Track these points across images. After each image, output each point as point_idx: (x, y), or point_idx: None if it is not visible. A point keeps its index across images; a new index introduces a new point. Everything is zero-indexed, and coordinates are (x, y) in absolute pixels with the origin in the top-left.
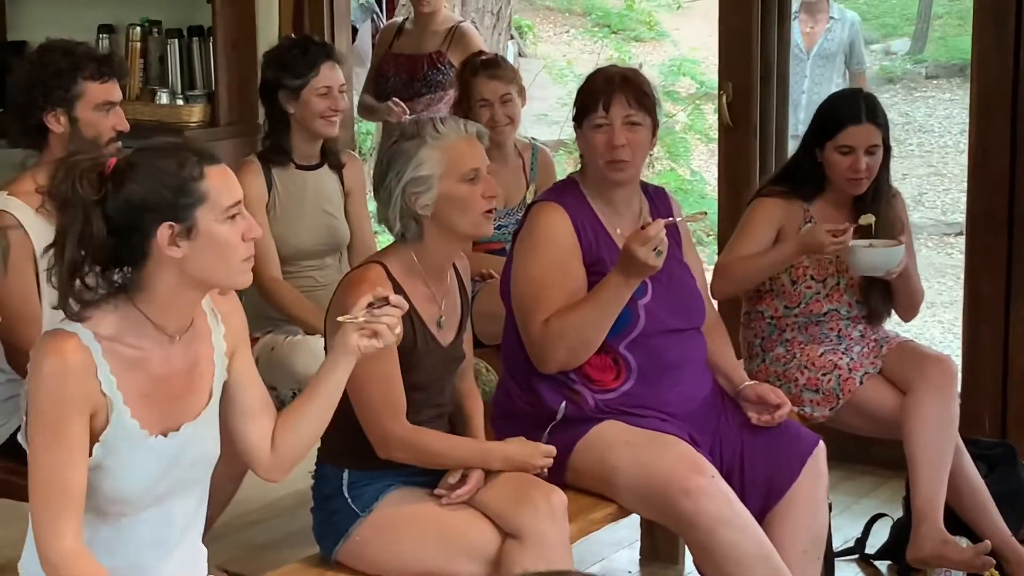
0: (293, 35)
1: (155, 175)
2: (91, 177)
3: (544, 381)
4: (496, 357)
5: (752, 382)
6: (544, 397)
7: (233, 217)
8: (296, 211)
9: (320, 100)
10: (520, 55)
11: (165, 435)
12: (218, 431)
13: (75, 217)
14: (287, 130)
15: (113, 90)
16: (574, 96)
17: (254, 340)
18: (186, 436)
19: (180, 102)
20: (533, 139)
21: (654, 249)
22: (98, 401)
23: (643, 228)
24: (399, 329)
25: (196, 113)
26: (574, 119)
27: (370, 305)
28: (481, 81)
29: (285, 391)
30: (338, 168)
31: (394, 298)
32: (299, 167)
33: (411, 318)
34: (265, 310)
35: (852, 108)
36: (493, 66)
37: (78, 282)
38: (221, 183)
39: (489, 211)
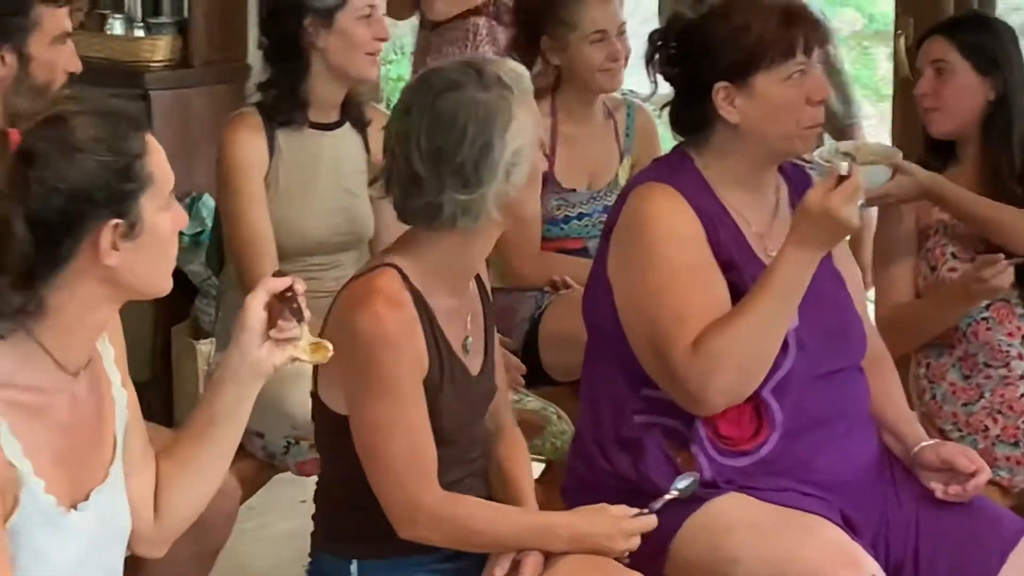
0: None
1: (90, 151)
2: (1, 158)
3: (644, 435)
4: (572, 399)
5: (933, 441)
6: (643, 461)
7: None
8: (306, 186)
9: (362, 26)
10: None
11: (75, 507)
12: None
13: None
14: (305, 73)
15: (67, 17)
16: (691, 36)
17: None
18: (98, 506)
19: (140, 32)
20: (632, 91)
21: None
22: (3, 476)
23: (839, 179)
24: (308, 314)
25: (162, 48)
26: (720, 71)
27: (283, 299)
28: (593, 5)
29: (276, 439)
30: (363, 127)
31: (301, 287)
32: (313, 126)
33: (436, 339)
34: None
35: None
36: None
37: None
38: (161, 159)
39: None
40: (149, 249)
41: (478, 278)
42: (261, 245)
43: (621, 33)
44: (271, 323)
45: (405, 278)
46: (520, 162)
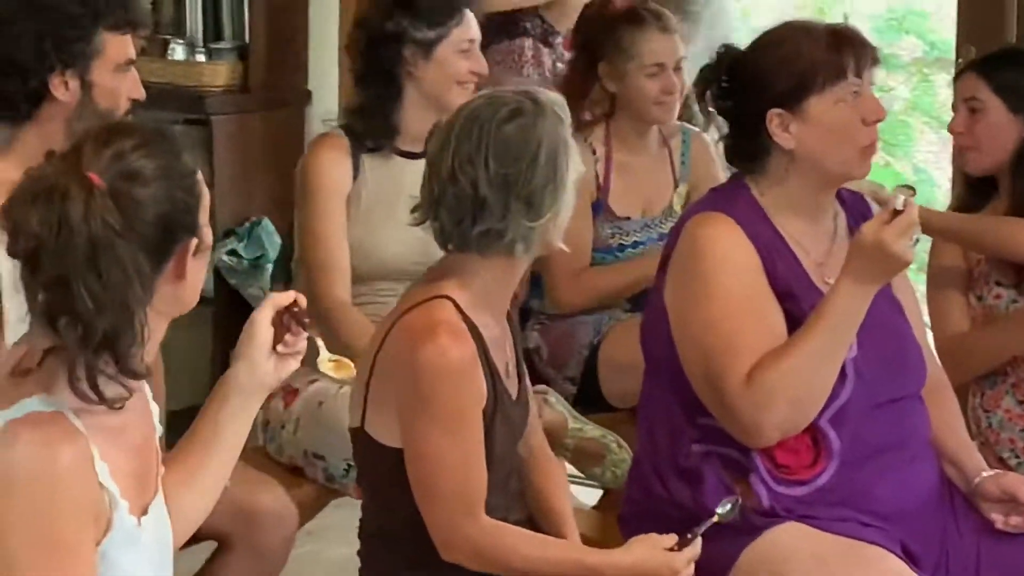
0: None
1: (163, 176)
2: (98, 198)
3: (701, 463)
4: (631, 425)
5: (994, 472)
6: (701, 489)
7: None
8: (387, 213)
9: (461, 59)
10: None
11: (140, 523)
12: None
13: (123, 268)
14: (397, 101)
15: (132, 44)
16: (741, 67)
17: (294, 392)
18: (155, 519)
19: (201, 58)
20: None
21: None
22: (99, 499)
23: (893, 212)
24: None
25: (222, 74)
26: (772, 98)
27: (289, 313)
28: (653, 37)
29: (336, 461)
30: None
31: (300, 297)
32: (400, 153)
33: (490, 368)
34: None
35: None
36: (665, 16)
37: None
38: (199, 173)
39: None
40: (203, 265)
41: None
42: (336, 267)
43: (678, 68)
44: (277, 338)
45: (459, 309)
46: (574, 190)
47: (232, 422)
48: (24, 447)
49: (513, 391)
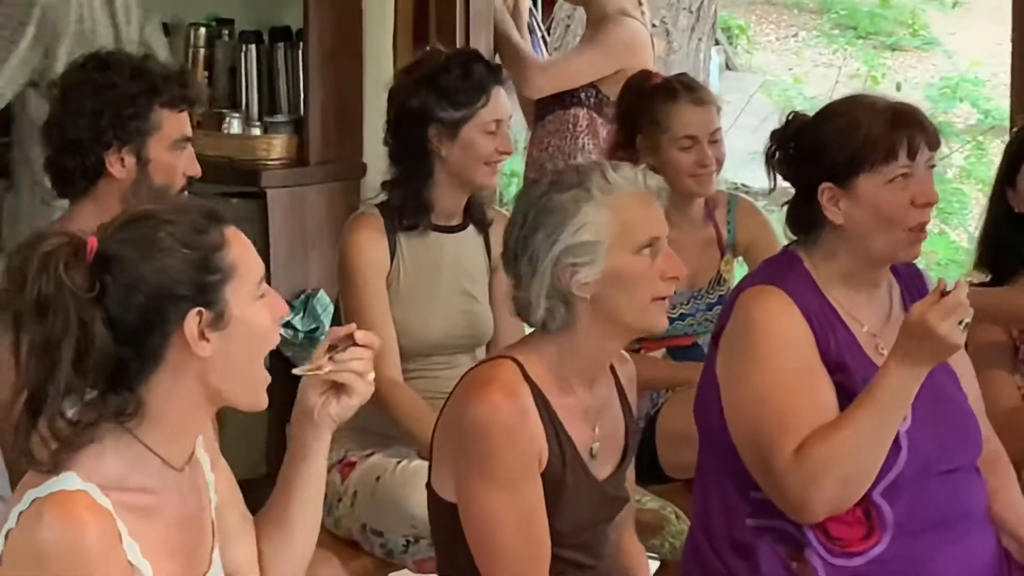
0: (439, 46)
1: (166, 248)
2: (77, 265)
3: (755, 537)
4: (688, 496)
5: None
6: (756, 563)
7: (263, 294)
8: (427, 289)
9: (487, 139)
10: (728, 67)
11: None
12: None
13: (64, 326)
14: (428, 178)
15: (188, 121)
16: (803, 136)
17: (350, 465)
18: None
19: (257, 131)
20: (743, 185)
21: (959, 322)
22: None
23: (942, 293)
24: (372, 375)
25: (278, 147)
26: (825, 172)
27: (331, 349)
28: (686, 109)
29: (395, 537)
30: (485, 230)
31: (361, 334)
32: (436, 228)
33: (557, 436)
34: (368, 422)
35: None
36: (699, 89)
37: (64, 419)
38: (245, 250)
39: (662, 298)
40: (243, 339)
41: (620, 387)
42: (384, 347)
43: (714, 140)
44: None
45: (524, 372)
46: (592, 261)
47: (297, 474)
48: (48, 525)
49: (602, 472)
